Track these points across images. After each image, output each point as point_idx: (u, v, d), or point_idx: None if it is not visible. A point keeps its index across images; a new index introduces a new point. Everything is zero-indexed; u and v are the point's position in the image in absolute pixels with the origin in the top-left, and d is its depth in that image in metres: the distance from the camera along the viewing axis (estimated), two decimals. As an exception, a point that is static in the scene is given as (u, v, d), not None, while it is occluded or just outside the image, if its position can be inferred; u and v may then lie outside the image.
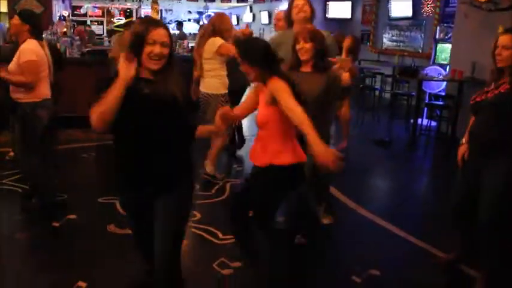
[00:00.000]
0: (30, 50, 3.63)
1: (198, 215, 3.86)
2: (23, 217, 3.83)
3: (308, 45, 3.01)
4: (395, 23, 10.97)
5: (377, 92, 9.45)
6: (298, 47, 3.05)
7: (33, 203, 3.97)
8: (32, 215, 3.86)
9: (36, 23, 3.78)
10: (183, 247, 2.40)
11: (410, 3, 10.21)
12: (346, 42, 4.47)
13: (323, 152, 2.21)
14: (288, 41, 3.24)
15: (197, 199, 4.13)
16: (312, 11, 3.58)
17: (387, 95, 10.22)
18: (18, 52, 3.65)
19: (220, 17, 4.60)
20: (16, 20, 3.73)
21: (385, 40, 11.39)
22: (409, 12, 10.30)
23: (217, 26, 4.51)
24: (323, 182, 3.85)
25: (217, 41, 4.44)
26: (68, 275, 2.96)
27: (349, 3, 12.66)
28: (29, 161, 3.87)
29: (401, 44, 10.79)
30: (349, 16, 12.56)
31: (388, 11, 11.00)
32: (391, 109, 8.83)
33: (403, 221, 3.96)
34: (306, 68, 3.10)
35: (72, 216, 3.80)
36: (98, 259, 3.20)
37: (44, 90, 3.79)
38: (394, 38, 11.08)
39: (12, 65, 3.66)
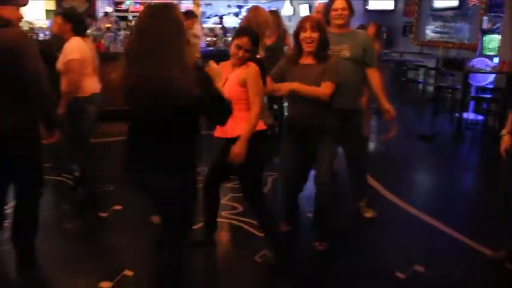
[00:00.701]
0: (73, 48, 3.75)
1: (240, 208, 3.89)
2: (70, 207, 3.96)
3: (315, 35, 2.96)
4: (439, 14, 10.64)
5: (420, 85, 9.22)
6: (303, 35, 2.98)
7: (80, 193, 4.11)
8: (80, 206, 3.99)
9: (78, 20, 3.88)
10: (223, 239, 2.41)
11: (455, -7, 9.87)
12: (370, 30, 4.41)
13: (238, 149, 2.71)
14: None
15: (238, 192, 4.15)
16: (351, 13, 3.42)
17: (430, 88, 9.96)
18: (63, 51, 3.77)
19: (255, 11, 4.49)
20: (59, 19, 3.89)
21: (428, 32, 11.07)
22: (454, 2, 9.97)
23: (253, 21, 4.45)
24: (359, 173, 3.81)
25: None
26: (115, 263, 3.06)
27: (391, -5, 12.37)
28: (79, 154, 4.02)
29: (445, 35, 10.46)
30: (391, 7, 12.27)
31: (431, 1, 10.69)
32: (434, 103, 8.59)
33: (448, 217, 3.86)
34: (307, 60, 3.05)
35: (118, 207, 3.90)
36: (143, 249, 3.27)
37: (92, 85, 3.90)
38: (437, 29, 10.75)
39: (59, 64, 3.79)
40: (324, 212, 3.32)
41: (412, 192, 4.65)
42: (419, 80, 9.38)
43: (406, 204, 4.14)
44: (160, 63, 1.97)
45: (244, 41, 2.76)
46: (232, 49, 2.80)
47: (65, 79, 3.80)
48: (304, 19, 3.07)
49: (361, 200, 3.87)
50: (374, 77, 3.50)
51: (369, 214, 3.83)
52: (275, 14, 5.53)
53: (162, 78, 1.97)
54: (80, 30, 3.86)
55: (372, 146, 5.85)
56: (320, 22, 3.04)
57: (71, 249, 3.31)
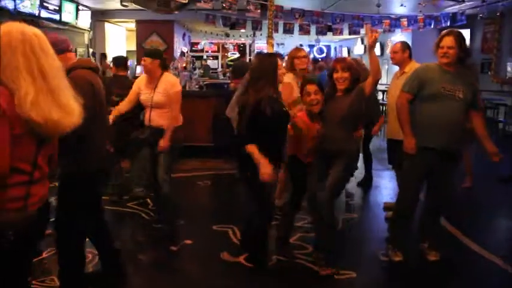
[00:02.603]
0: (174, 81, 4.09)
1: (310, 248, 3.82)
2: (144, 239, 4.09)
3: (346, 75, 3.30)
4: (521, 50, 10.18)
5: (500, 125, 8.76)
6: (336, 75, 3.33)
7: (158, 227, 4.25)
8: (153, 238, 4.11)
9: (162, 57, 4.15)
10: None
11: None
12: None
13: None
14: (436, 76, 3.34)
15: (309, 231, 4.10)
16: (460, 52, 3.32)
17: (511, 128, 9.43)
18: (163, 84, 3.99)
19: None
20: (146, 60, 4.00)
21: (509, 69, 10.59)
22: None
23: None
24: (437, 213, 3.67)
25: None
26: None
27: (468, 31, 12.02)
28: (164, 186, 4.13)
29: (528, 72, 9.96)
30: (467, 44, 11.89)
31: (513, 37, 10.26)
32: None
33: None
34: (339, 93, 3.37)
35: (188, 242, 3.97)
36: (212, 284, 3.30)
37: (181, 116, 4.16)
38: (520, 66, 10.26)
39: (160, 97, 4.00)
40: (328, 242, 3.48)
41: (493, 240, 4.34)
42: (500, 119, 8.92)
43: (488, 252, 3.87)
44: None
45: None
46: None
47: (160, 111, 4.03)
48: (336, 61, 3.45)
49: (424, 241, 3.71)
50: (478, 119, 3.45)
51: (432, 257, 3.63)
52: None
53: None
54: (166, 66, 4.17)
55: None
56: (350, 63, 3.36)
57: (143, 279, 3.39)
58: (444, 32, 3.43)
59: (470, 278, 3.51)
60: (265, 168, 3.03)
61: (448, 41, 3.29)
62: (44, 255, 3.59)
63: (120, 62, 5.14)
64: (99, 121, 2.76)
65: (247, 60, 16.24)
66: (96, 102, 2.70)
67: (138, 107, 4.24)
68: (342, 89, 3.33)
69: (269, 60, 3.29)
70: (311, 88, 3.33)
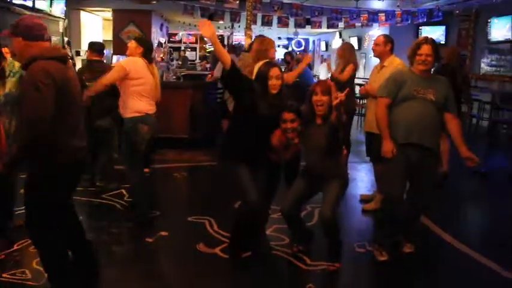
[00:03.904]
0: (129, 60, 4.09)
1: (286, 240, 3.83)
2: (118, 231, 4.02)
3: (325, 98, 3.16)
4: (495, 47, 10.37)
5: (474, 120, 8.93)
6: (315, 98, 3.19)
7: (131, 217, 4.19)
8: (127, 230, 4.05)
9: (148, 48, 4.23)
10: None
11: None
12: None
13: None
14: (408, 80, 3.39)
15: (285, 223, 4.11)
16: (435, 59, 3.42)
17: (484, 123, 9.62)
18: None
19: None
20: (132, 43, 4.16)
21: (483, 65, 10.79)
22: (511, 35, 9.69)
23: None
24: (417, 211, 3.71)
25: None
26: (160, 289, 3.06)
27: (443, 28, 12.20)
28: (133, 176, 4.16)
29: (501, 68, 10.15)
30: (443, 41, 12.07)
31: (487, 34, 10.44)
32: (490, 138, 8.28)
33: (507, 260, 3.63)
34: (318, 120, 3.26)
35: (164, 233, 3.93)
36: (187, 275, 3.28)
37: (146, 106, 4.07)
38: (493, 62, 10.45)
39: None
40: (337, 244, 3.44)
41: (466, 231, 4.42)
42: (473, 114, 9.09)
43: (460, 243, 3.94)
44: None
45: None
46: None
47: (122, 98, 4.09)
48: (316, 83, 3.32)
49: (405, 235, 3.76)
50: (453, 123, 3.48)
51: (407, 249, 3.69)
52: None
53: None
54: (147, 56, 4.18)
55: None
56: (329, 87, 3.22)
57: (119, 271, 3.34)
58: (421, 39, 3.48)
59: (444, 269, 3.57)
60: None
61: (427, 49, 3.35)
62: (15, 247, 3.50)
63: (97, 47, 5.10)
64: (66, 116, 2.57)
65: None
66: (60, 96, 2.49)
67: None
68: (320, 115, 3.22)
69: None
70: (288, 116, 3.17)
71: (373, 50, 4.59)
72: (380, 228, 3.78)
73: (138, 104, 4.01)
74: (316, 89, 3.20)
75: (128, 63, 4.03)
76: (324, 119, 3.22)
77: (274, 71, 3.15)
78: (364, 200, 4.95)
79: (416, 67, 3.43)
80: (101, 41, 7.33)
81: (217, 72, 6.89)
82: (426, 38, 3.46)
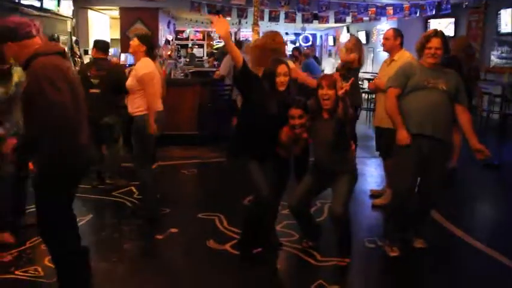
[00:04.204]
0: (144, 65, 4.01)
1: (296, 236, 3.82)
2: (128, 228, 4.04)
3: (331, 92, 3.15)
4: (504, 39, 10.25)
5: (484, 113, 8.85)
6: (321, 92, 3.18)
7: (140, 214, 4.21)
8: (137, 227, 4.07)
9: (151, 45, 4.19)
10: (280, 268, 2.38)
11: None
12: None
13: None
14: (418, 71, 3.38)
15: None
16: (444, 52, 3.41)
17: (495, 116, 9.52)
18: (134, 69, 4.08)
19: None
20: (135, 41, 4.12)
21: (492, 57, 10.68)
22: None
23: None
24: (427, 205, 3.68)
25: None
26: (171, 285, 3.09)
27: (452, 20, 12.08)
28: (143, 173, 4.15)
29: (511, 61, 10.03)
30: (451, 34, 11.94)
31: (497, 26, 10.32)
32: (500, 131, 8.19)
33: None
34: (325, 114, 3.25)
35: (174, 230, 3.94)
36: (198, 272, 3.29)
37: (156, 103, 4.07)
38: (503, 55, 10.34)
39: (130, 82, 4.06)
40: (347, 239, 3.44)
41: (477, 226, 4.39)
42: (483, 108, 9.00)
43: (471, 238, 3.91)
44: None
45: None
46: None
47: (132, 97, 4.08)
48: (322, 77, 3.32)
49: (415, 230, 3.73)
50: (464, 115, 3.45)
51: (418, 244, 3.67)
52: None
53: None
54: (151, 54, 4.15)
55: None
56: (335, 81, 3.22)
57: (128, 268, 3.36)
58: (429, 32, 3.46)
59: (455, 264, 3.55)
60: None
61: (436, 42, 3.33)
62: (28, 245, 3.53)
63: (101, 45, 5.14)
64: (75, 111, 2.49)
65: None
66: (72, 93, 2.47)
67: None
68: (327, 110, 3.21)
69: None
70: (295, 112, 3.15)
71: (383, 44, 4.56)
72: (389, 223, 3.75)
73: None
74: (322, 83, 3.18)
75: (148, 71, 3.98)
76: (331, 113, 3.21)
77: (282, 68, 3.13)
78: (374, 195, 4.92)
79: (425, 60, 3.41)
80: (106, 40, 7.34)
81: (223, 70, 6.89)
82: (435, 31, 3.43)
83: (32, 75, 2.43)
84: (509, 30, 9.94)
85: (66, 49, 5.50)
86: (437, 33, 3.39)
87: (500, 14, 10.17)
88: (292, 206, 3.44)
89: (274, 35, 3.76)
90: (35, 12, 8.28)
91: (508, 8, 9.85)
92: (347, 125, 3.17)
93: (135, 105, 4.05)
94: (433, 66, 3.39)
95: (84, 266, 2.75)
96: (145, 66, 4.01)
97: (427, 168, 3.46)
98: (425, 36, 3.42)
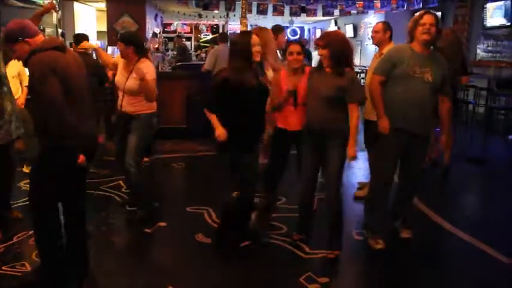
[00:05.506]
0: (149, 69, 3.85)
1: (285, 228, 3.84)
2: (117, 222, 4.03)
3: (324, 52, 3.19)
4: (490, 32, 10.34)
5: (470, 106, 8.93)
6: (318, 53, 3.31)
7: (134, 210, 4.15)
8: (125, 221, 4.06)
9: (137, 42, 3.96)
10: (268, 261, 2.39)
11: (509, 11, 9.56)
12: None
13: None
14: (406, 58, 3.33)
15: (283, 212, 4.13)
16: (438, 32, 3.36)
17: (481, 109, 9.62)
18: (135, 72, 3.84)
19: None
20: (120, 45, 3.92)
21: (479, 51, 10.77)
22: (508, 20, 9.65)
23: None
24: (410, 195, 3.73)
25: None
26: (160, 279, 3.07)
27: (439, 13, 12.14)
28: (136, 169, 4.07)
29: (497, 54, 10.13)
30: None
31: (483, 20, 10.41)
32: (486, 124, 8.28)
33: (505, 247, 3.65)
34: (328, 69, 3.27)
35: (163, 224, 3.93)
36: (187, 266, 3.29)
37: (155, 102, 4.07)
38: (489, 48, 10.43)
39: (132, 82, 3.87)
40: (338, 230, 3.45)
41: (464, 218, 4.44)
42: (470, 101, 9.08)
43: (460, 231, 3.96)
44: None
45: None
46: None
47: (132, 99, 3.95)
48: (318, 37, 3.41)
49: (397, 218, 3.78)
50: (444, 105, 3.50)
51: (405, 234, 3.71)
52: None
53: None
54: (141, 51, 3.95)
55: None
56: (329, 38, 3.25)
57: (117, 262, 3.36)
58: (422, 11, 3.44)
59: (443, 255, 3.59)
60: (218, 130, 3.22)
61: (430, 18, 3.30)
62: (15, 239, 3.50)
63: (79, 39, 5.10)
64: (73, 102, 2.63)
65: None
66: (66, 84, 2.58)
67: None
68: (327, 65, 3.22)
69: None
70: (294, 48, 3.36)
71: (372, 37, 4.57)
72: (367, 214, 3.77)
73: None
74: (317, 43, 3.30)
75: (151, 72, 3.90)
76: (337, 72, 3.21)
77: (254, 39, 3.22)
78: (362, 188, 4.96)
79: (419, 38, 3.32)
80: (95, 34, 7.27)
81: (208, 64, 6.86)
82: (427, 11, 3.42)
83: (29, 71, 2.66)
84: (495, 24, 10.04)
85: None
86: (428, 12, 3.38)
87: (486, 7, 10.25)
88: (305, 200, 3.51)
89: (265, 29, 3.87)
90: (20, 4, 8.17)
91: (494, 1, 9.93)
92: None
93: (141, 104, 3.93)
94: (424, 50, 3.35)
95: (62, 261, 2.87)
96: (149, 71, 3.84)
97: (407, 159, 3.52)
98: (419, 14, 3.39)
